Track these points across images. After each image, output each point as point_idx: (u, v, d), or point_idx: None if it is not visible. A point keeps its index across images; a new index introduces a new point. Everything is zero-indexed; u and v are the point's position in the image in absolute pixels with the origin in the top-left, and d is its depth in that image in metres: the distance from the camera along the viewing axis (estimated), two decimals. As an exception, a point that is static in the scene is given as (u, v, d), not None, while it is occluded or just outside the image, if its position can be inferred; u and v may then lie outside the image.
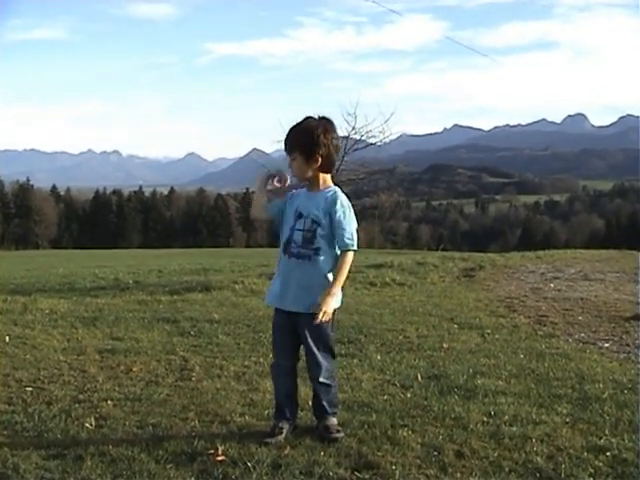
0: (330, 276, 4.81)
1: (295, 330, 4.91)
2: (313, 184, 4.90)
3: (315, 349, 4.91)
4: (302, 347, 4.98)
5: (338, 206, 4.81)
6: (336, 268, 4.81)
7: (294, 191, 4.92)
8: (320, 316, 4.65)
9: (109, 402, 5.72)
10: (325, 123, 4.86)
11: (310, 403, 5.17)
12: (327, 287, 4.74)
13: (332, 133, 4.86)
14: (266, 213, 5.02)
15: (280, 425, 4.78)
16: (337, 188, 4.95)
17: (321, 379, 4.95)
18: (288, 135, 4.92)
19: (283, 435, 4.72)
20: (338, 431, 4.84)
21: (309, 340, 4.89)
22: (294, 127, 4.90)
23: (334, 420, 4.96)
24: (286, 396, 4.99)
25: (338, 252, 4.84)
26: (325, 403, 4.97)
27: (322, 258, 4.81)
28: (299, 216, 4.82)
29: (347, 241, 4.80)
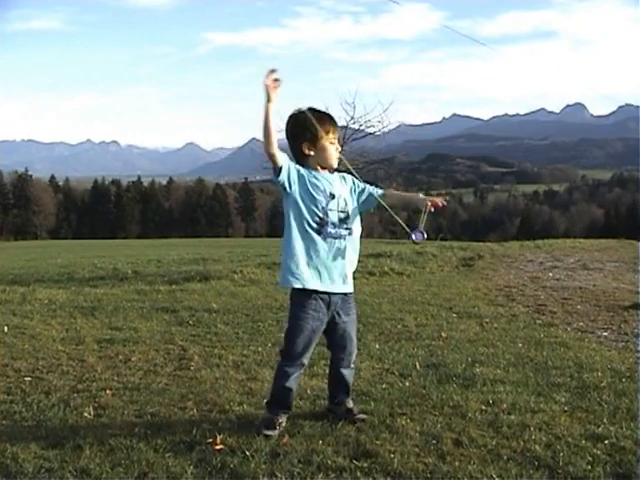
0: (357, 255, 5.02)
1: (326, 321, 4.85)
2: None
3: (352, 334, 5.00)
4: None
5: (351, 178, 5.04)
6: (395, 195, 5.24)
7: (299, 169, 4.83)
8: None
9: (108, 391, 5.72)
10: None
11: (308, 391, 5.17)
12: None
13: None
14: (278, 162, 4.65)
15: (280, 419, 4.73)
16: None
17: (352, 364, 5.06)
18: (332, 118, 4.95)
19: (282, 428, 4.71)
20: (360, 412, 4.94)
21: (348, 324, 4.95)
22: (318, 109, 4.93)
23: (352, 402, 5.04)
24: (293, 395, 4.93)
25: (359, 230, 4.98)
26: (349, 387, 5.07)
27: (354, 237, 4.92)
28: (332, 197, 4.78)
29: (376, 189, 5.10)
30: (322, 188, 4.76)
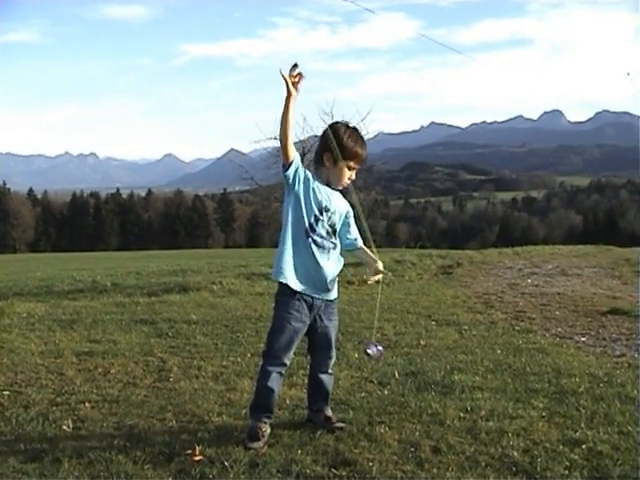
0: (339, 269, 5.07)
1: (307, 324, 4.90)
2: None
3: (333, 340, 5.05)
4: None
5: (349, 207, 5.10)
6: (365, 254, 5.12)
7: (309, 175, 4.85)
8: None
9: (87, 404, 5.71)
10: None
11: (287, 401, 5.18)
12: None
13: None
14: (290, 156, 4.70)
15: (263, 428, 4.72)
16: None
17: (330, 370, 5.10)
18: (366, 148, 5.02)
19: (266, 438, 4.70)
20: (339, 420, 4.98)
21: (329, 330, 5.00)
22: (363, 138, 5.03)
23: (330, 410, 5.07)
24: (275, 397, 4.93)
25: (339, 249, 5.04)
26: (329, 393, 5.11)
27: (337, 252, 4.99)
28: (326, 209, 4.85)
29: (360, 241, 5.16)
30: (319, 199, 4.82)
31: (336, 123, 5.02)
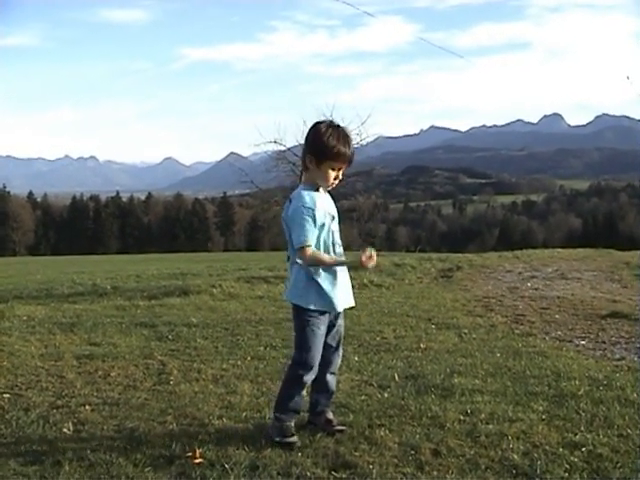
0: None
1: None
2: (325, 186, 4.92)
3: (341, 343, 5.08)
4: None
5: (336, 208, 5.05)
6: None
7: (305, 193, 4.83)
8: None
9: (87, 407, 5.71)
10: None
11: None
12: None
13: None
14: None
15: (291, 425, 4.78)
16: None
17: (337, 372, 5.14)
18: (350, 146, 4.86)
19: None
20: (339, 423, 5.00)
21: (341, 329, 5.03)
22: (347, 136, 4.88)
23: (331, 413, 5.08)
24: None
25: None
26: (333, 393, 5.15)
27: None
28: (332, 218, 4.84)
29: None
30: (324, 211, 4.77)
31: (319, 123, 4.86)
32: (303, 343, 4.81)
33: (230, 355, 7.83)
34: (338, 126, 4.84)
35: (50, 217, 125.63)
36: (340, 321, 4.99)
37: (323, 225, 4.74)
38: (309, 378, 4.84)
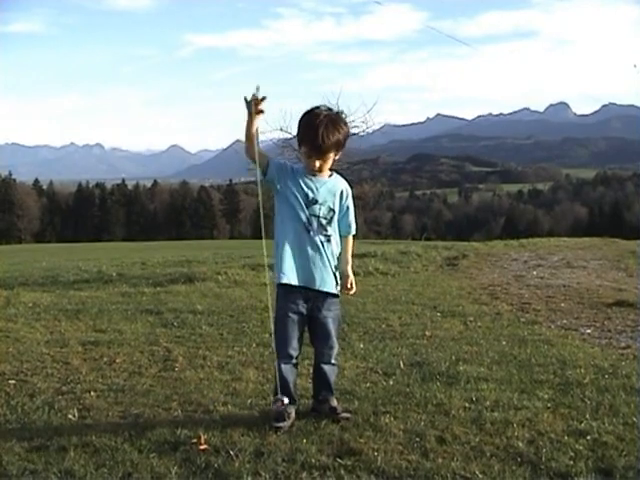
0: (336, 259, 4.98)
1: (305, 315, 4.92)
2: (322, 169, 4.90)
3: (332, 331, 5.02)
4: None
5: (346, 194, 5.01)
6: (344, 251, 5.07)
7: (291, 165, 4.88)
8: (351, 285, 4.98)
9: (92, 393, 5.71)
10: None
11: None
12: (335, 269, 4.96)
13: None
14: (260, 167, 4.70)
15: (288, 410, 4.77)
16: (336, 174, 5.06)
17: (333, 360, 5.08)
18: (330, 133, 4.76)
19: (292, 420, 4.78)
20: (344, 411, 4.98)
21: (328, 321, 4.98)
22: (330, 123, 4.77)
23: (336, 400, 5.07)
24: (291, 386, 4.94)
25: (338, 237, 5.00)
26: (331, 384, 5.09)
27: (334, 243, 4.93)
28: (313, 202, 4.82)
29: (353, 228, 5.08)
30: (305, 192, 4.80)
31: (315, 108, 4.85)
32: (274, 326, 4.96)
33: (235, 342, 7.84)
34: (327, 114, 4.81)
35: (56, 205, 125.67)
36: (325, 313, 4.96)
37: (297, 195, 4.78)
38: (281, 362, 4.85)
